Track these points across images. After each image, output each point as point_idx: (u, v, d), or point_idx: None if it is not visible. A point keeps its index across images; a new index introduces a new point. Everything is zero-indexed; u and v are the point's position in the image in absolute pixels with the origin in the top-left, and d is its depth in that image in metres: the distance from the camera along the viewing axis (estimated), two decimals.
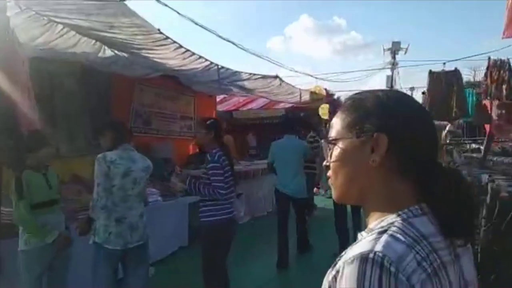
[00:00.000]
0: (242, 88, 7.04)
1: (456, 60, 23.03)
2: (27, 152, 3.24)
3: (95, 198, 3.28)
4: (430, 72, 5.94)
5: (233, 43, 5.50)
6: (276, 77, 7.05)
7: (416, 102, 0.91)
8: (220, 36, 5.12)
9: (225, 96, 11.80)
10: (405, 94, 0.94)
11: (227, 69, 5.71)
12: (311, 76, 16.32)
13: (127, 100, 7.55)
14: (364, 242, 0.77)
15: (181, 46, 4.53)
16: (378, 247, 0.73)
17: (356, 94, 0.94)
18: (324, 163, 0.94)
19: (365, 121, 0.85)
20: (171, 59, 5.05)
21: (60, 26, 4.37)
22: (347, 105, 0.91)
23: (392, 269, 0.70)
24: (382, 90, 0.92)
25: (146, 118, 8.12)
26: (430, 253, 0.76)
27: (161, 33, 4.09)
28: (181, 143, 9.09)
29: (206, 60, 5.16)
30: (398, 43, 20.23)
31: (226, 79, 5.82)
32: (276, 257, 5.34)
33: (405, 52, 20.74)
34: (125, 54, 5.01)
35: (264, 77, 6.76)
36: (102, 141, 3.54)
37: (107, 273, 3.34)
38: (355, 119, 0.87)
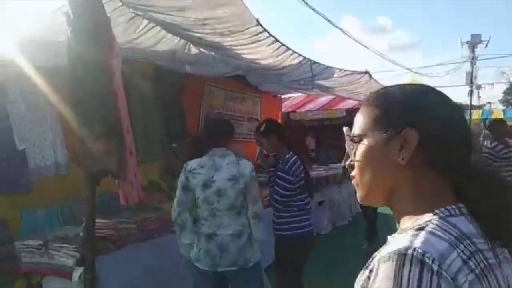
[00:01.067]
0: (322, 86, 6.50)
1: None
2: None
3: (171, 211, 2.95)
4: None
5: (340, 29, 4.96)
6: (366, 72, 6.48)
7: (445, 96, 0.85)
8: (329, 21, 4.59)
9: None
10: (433, 88, 0.87)
11: (319, 64, 5.22)
12: (408, 69, 14.72)
13: (197, 102, 7.25)
14: (399, 240, 0.71)
15: (276, 40, 4.07)
16: (417, 243, 0.67)
17: (381, 88, 0.91)
18: (348, 162, 0.89)
19: (392, 116, 0.80)
20: (262, 60, 4.61)
21: (145, 22, 4.03)
22: (372, 99, 0.86)
23: (434, 267, 0.64)
24: (409, 84, 0.88)
25: None
26: (475, 253, 0.70)
27: (259, 24, 3.65)
28: (249, 146, 8.66)
29: (300, 55, 4.69)
30: (478, 36, 18.40)
31: (318, 76, 5.32)
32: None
33: (486, 46, 18.96)
34: (212, 52, 4.63)
35: (354, 72, 6.21)
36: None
37: None
38: (382, 114, 0.82)
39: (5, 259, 4.02)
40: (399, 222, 0.82)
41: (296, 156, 3.33)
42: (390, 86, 0.88)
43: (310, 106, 13.80)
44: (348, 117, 12.47)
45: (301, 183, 3.30)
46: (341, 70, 5.82)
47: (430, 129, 0.77)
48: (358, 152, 0.84)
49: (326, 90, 7.15)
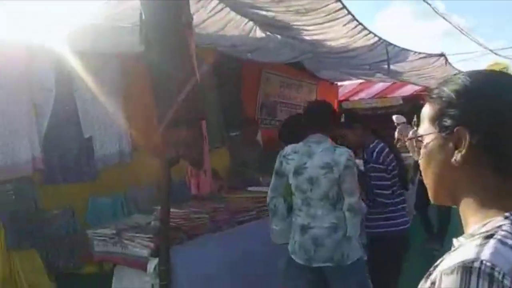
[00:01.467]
0: (392, 71, 6.13)
1: None
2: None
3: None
4: None
5: (427, 2, 4.59)
6: (442, 55, 6.01)
7: None
8: None
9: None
10: (503, 75, 0.77)
11: (394, 46, 4.87)
12: (493, 52, 11.22)
13: (254, 89, 7.06)
14: (465, 249, 0.66)
15: (354, 19, 3.78)
16: (485, 255, 0.62)
17: (443, 81, 0.82)
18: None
19: (445, 113, 0.76)
20: (331, 41, 4.33)
21: (213, 4, 3.84)
22: (432, 94, 0.81)
23: (506, 282, 0.59)
24: (470, 73, 0.78)
25: (271, 108, 7.58)
26: None
27: (339, 0, 3.38)
28: None
29: (375, 36, 4.37)
30: None
31: (392, 59, 4.98)
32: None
33: None
34: (278, 36, 4.41)
35: (429, 55, 5.77)
36: None
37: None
38: (437, 112, 0.78)
39: (76, 246, 4.05)
40: (465, 223, 0.77)
41: (382, 144, 3.10)
42: (452, 76, 0.81)
43: (362, 94, 13.32)
44: (405, 105, 11.84)
45: (394, 173, 3.04)
46: (415, 52, 5.43)
47: (488, 126, 0.71)
48: (420, 151, 0.82)
49: (395, 75, 6.74)
